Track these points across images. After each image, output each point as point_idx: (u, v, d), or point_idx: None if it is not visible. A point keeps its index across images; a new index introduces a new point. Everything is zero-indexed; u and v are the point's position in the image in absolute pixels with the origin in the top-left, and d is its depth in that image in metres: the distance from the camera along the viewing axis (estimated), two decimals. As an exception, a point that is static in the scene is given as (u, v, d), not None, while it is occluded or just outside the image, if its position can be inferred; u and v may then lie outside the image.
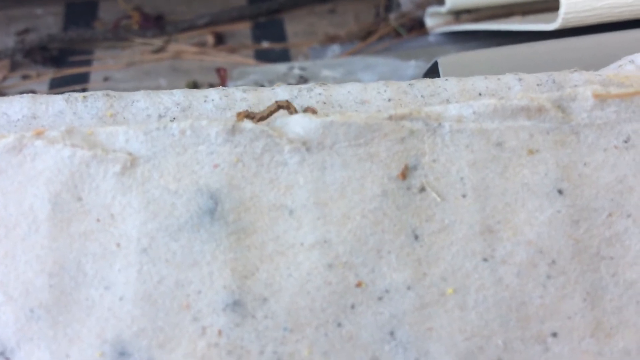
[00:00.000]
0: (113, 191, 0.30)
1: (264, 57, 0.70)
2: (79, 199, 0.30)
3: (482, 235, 0.30)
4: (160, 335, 0.29)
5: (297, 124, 0.31)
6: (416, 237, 0.30)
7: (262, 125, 0.30)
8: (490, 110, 0.31)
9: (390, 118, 0.31)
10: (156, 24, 0.72)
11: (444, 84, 0.36)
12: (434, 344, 0.29)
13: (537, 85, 0.36)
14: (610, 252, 0.31)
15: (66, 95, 0.34)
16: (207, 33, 0.72)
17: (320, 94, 0.35)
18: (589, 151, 0.32)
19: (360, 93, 0.35)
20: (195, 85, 0.66)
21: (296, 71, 0.64)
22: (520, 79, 0.36)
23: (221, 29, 0.73)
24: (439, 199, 0.31)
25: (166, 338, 0.29)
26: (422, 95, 0.36)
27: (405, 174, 0.31)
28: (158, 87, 0.67)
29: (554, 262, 0.30)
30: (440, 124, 0.32)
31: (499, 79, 0.36)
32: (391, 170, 0.31)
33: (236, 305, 0.29)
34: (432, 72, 0.48)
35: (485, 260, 0.30)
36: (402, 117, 0.31)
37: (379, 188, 0.31)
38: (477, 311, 0.30)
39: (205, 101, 0.34)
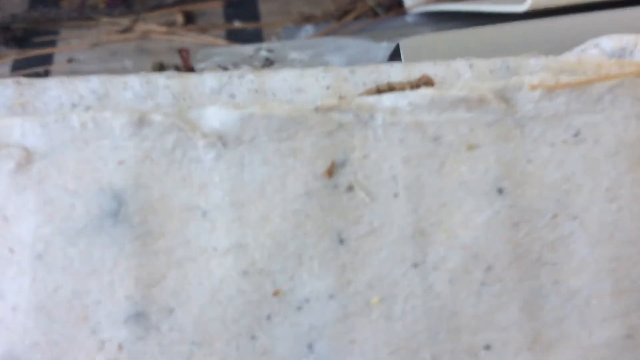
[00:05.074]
0: (7, 190, 0.27)
1: (235, 37, 0.67)
2: (-30, 199, 0.27)
3: (414, 239, 0.28)
4: (55, 349, 0.26)
5: (213, 117, 0.28)
6: (341, 241, 0.28)
7: (172, 117, 0.28)
8: (427, 101, 0.29)
9: (316, 110, 0.29)
10: (124, 2, 0.69)
11: (389, 70, 0.33)
12: (356, 358, 0.27)
13: (490, 71, 0.33)
14: (553, 258, 0.28)
15: (-27, 83, 0.31)
16: (176, 12, 0.70)
17: (252, 81, 0.33)
18: (534, 146, 0.29)
19: (296, 80, 0.33)
20: (161, 67, 0.64)
21: (263, 53, 0.61)
22: (471, 65, 0.33)
23: (191, 7, 0.70)
24: (367, 199, 0.28)
25: (61, 352, 0.26)
26: (363, 83, 0.33)
27: (331, 172, 0.28)
28: (123, 69, 0.64)
29: (489, 268, 0.28)
30: (372, 116, 0.29)
31: (448, 65, 0.33)
32: (316, 167, 0.28)
33: (139, 317, 0.27)
34: (396, 55, 0.45)
35: (415, 266, 0.28)
36: (331, 109, 0.29)
37: (302, 187, 0.28)
38: (404, 322, 0.27)
39: (124, 89, 0.32)
